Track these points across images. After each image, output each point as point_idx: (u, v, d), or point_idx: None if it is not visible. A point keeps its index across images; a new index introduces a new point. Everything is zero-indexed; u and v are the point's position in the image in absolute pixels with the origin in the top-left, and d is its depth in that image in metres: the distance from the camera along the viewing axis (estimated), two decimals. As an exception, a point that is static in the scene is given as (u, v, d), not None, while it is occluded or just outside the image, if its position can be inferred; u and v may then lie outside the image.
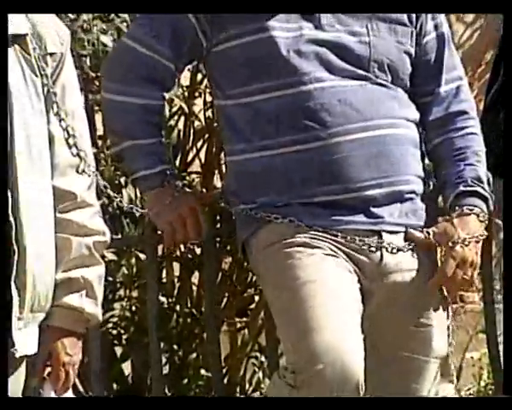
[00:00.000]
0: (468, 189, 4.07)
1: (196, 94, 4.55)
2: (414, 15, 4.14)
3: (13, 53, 3.63)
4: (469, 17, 7.07)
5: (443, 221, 4.04)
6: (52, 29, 3.75)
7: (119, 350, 4.69)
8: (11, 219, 3.52)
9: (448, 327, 4.07)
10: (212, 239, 4.38)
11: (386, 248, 3.97)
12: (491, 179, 4.16)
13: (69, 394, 3.80)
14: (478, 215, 4.03)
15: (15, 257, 3.52)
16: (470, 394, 5.29)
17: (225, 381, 4.67)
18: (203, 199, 4.29)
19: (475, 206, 4.04)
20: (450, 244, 3.98)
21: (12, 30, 3.63)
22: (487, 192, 4.10)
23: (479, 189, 4.07)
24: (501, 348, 4.89)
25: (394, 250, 3.98)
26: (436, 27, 4.16)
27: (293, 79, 3.98)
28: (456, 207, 4.04)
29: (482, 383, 5.26)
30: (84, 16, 4.60)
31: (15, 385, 3.66)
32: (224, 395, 4.68)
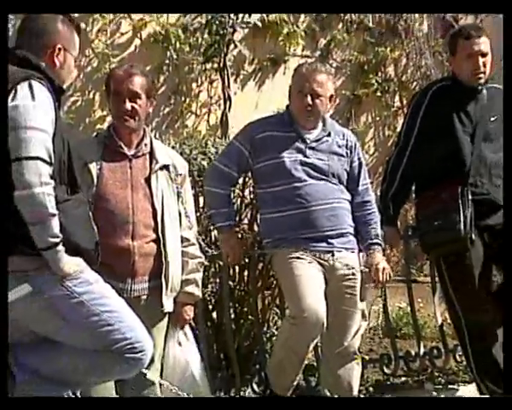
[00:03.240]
0: (375, 241, 4.05)
1: (246, 187, 4.49)
2: (349, 153, 4.06)
3: (162, 174, 3.61)
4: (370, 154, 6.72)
5: (371, 256, 4.05)
6: (179, 161, 3.76)
7: (209, 306, 4.55)
8: (162, 249, 3.52)
9: (365, 295, 4.03)
10: (254, 254, 4.30)
11: (336, 259, 3.93)
12: (382, 233, 4.11)
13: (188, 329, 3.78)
14: (379, 252, 4.01)
15: (164, 266, 3.52)
16: (375, 327, 5.18)
17: (260, 321, 4.52)
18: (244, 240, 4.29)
19: (379, 246, 4.04)
20: (376, 265, 4.02)
21: (163, 162, 3.62)
22: (381, 241, 4.07)
23: (378, 241, 4.05)
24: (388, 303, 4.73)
25: (340, 259, 3.93)
26: (359, 159, 4.10)
27: (291, 180, 3.91)
28: (371, 248, 4.04)
29: (379, 321, 5.14)
30: (194, 152, 4.47)
31: (160, 329, 3.62)
32: (260, 329, 4.49)
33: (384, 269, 4.04)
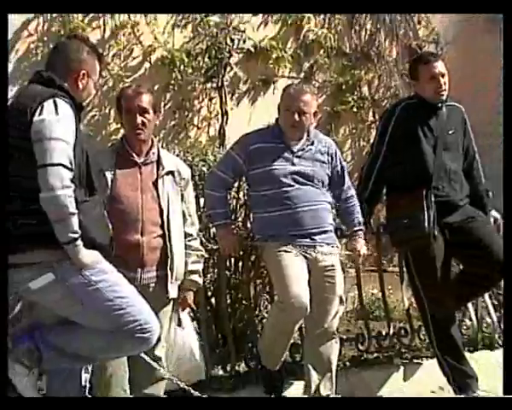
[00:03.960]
0: (358, 228, 4.07)
1: (240, 190, 4.42)
2: (330, 159, 4.04)
3: (168, 179, 3.59)
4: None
5: (355, 241, 4.07)
6: (183, 167, 3.73)
7: (209, 292, 4.45)
8: (167, 243, 3.51)
9: (343, 283, 4.01)
10: (247, 248, 4.27)
11: (318, 252, 3.91)
12: (363, 221, 4.11)
13: (187, 313, 3.74)
14: (362, 237, 4.06)
15: (169, 258, 3.50)
16: (351, 311, 5.10)
17: (252, 306, 4.48)
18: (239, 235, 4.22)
19: (362, 232, 4.07)
20: (358, 250, 4.07)
21: (168, 168, 3.60)
22: (363, 228, 4.09)
23: (361, 228, 4.07)
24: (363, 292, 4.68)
25: (321, 253, 3.91)
26: (340, 163, 4.10)
27: (280, 185, 3.88)
28: (356, 234, 4.05)
29: (354, 305, 5.05)
30: (195, 159, 4.41)
31: (166, 312, 3.58)
32: (252, 313, 4.43)
33: (364, 254, 4.09)
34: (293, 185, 3.91)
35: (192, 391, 3.50)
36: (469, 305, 4.73)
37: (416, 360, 4.55)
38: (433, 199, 4.08)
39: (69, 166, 2.86)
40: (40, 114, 2.87)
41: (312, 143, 4.03)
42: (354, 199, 4.13)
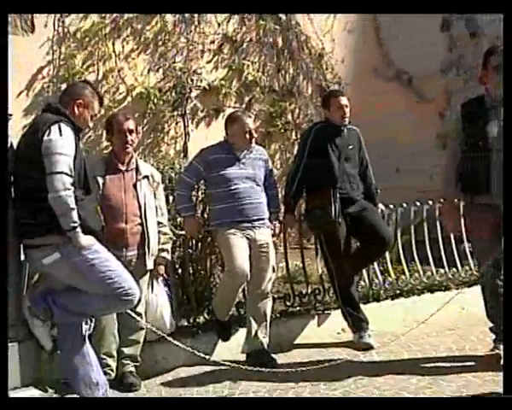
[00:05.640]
0: (275, 209, 4.10)
1: (199, 190, 4.35)
2: (264, 163, 4.03)
3: (144, 182, 3.55)
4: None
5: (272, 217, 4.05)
6: (155, 173, 3.69)
7: (177, 265, 4.31)
8: (145, 229, 3.46)
9: (275, 256, 4.02)
10: (204, 232, 4.22)
11: (256, 234, 3.89)
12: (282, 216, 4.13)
13: (162, 285, 3.61)
14: (277, 217, 4.10)
15: (146, 240, 3.46)
16: (280, 277, 4.91)
17: (208, 274, 4.42)
18: (200, 223, 4.18)
19: (277, 213, 4.11)
20: (275, 223, 4.10)
21: (145, 173, 3.55)
22: (279, 210, 4.12)
23: (277, 210, 4.10)
24: (290, 261, 4.61)
25: (258, 234, 3.89)
26: (270, 165, 4.11)
27: (230, 185, 3.87)
28: (271, 215, 4.05)
29: (283, 273, 4.92)
30: (165, 168, 4.35)
31: (144, 280, 3.50)
32: (208, 279, 4.35)
33: (276, 226, 4.14)
34: (239, 184, 3.90)
35: (169, 338, 3.44)
36: (364, 271, 4.81)
37: (326, 311, 4.58)
38: (338, 196, 4.13)
39: (69, 173, 2.87)
40: (48, 135, 2.87)
41: (251, 152, 4.03)
42: (276, 191, 4.15)
